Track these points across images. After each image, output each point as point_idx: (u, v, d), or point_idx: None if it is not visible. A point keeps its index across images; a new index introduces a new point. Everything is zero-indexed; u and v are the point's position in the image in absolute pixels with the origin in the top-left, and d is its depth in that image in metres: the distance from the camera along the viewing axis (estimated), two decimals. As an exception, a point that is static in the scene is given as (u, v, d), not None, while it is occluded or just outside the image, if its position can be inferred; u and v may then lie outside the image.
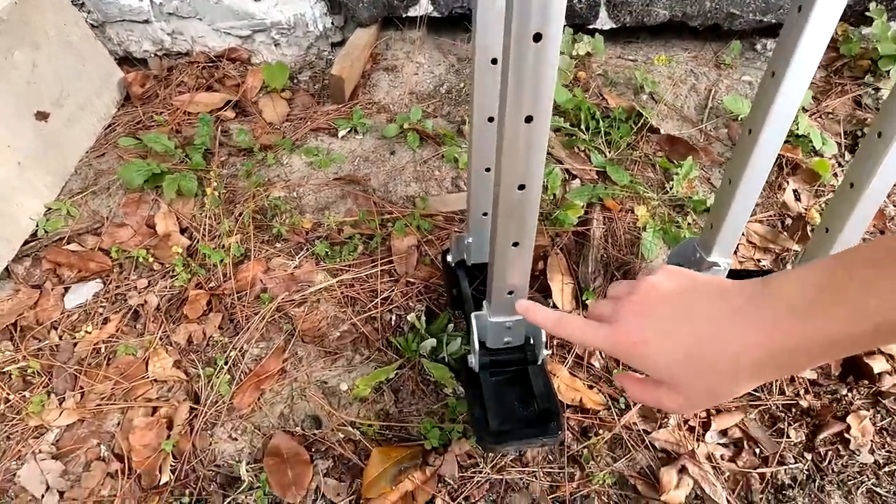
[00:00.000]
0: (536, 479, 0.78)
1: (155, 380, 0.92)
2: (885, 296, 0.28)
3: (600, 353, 0.92)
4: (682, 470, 0.78)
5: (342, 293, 1.00)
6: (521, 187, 0.59)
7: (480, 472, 0.79)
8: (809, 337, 0.31)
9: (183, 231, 1.11)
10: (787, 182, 1.15)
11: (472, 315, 0.76)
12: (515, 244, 0.66)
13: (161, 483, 0.80)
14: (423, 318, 0.94)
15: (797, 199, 1.14)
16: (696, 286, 0.38)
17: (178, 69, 1.40)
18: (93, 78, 1.24)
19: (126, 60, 1.46)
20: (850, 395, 0.87)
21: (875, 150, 0.73)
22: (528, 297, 0.65)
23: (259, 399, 0.88)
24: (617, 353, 0.40)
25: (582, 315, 0.86)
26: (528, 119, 0.52)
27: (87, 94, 1.23)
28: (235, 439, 0.84)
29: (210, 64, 1.41)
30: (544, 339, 0.76)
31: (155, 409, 0.88)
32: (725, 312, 0.35)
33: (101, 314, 1.00)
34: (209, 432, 0.85)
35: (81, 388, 0.90)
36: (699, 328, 0.35)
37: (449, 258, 0.96)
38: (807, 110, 1.28)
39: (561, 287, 1.00)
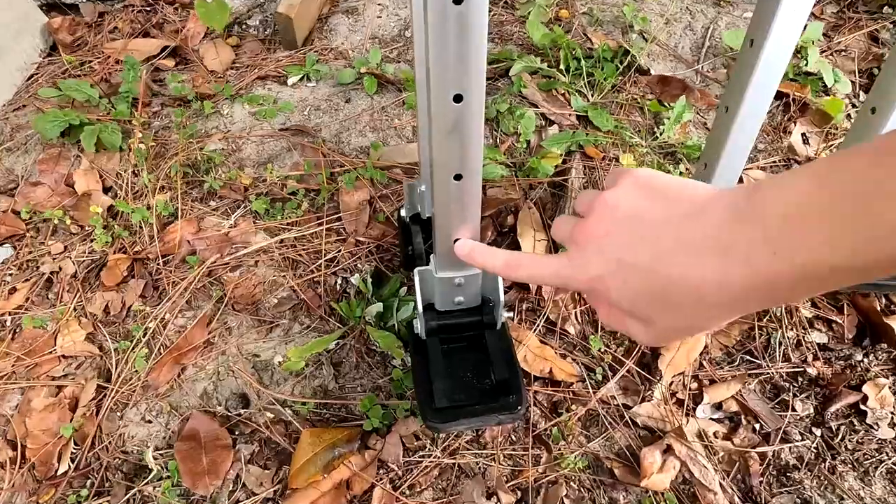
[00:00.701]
0: (495, 462, 0.66)
1: (63, 355, 0.80)
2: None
3: (576, 316, 0.79)
4: (668, 450, 0.66)
5: (282, 255, 0.87)
6: (458, 98, 0.46)
7: (429, 456, 0.67)
8: (793, 270, 0.24)
9: (107, 190, 0.98)
10: (795, 124, 1.01)
11: (416, 271, 0.63)
12: (458, 177, 0.53)
13: (58, 473, 0.69)
14: (371, 280, 0.81)
15: (805, 142, 1.00)
16: (665, 198, 0.30)
17: (110, 14, 1.25)
18: (5, 21, 1.10)
19: (56, 7, 1.31)
20: (866, 360, 0.75)
21: (869, 126, 0.69)
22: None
23: (179, 375, 0.76)
24: (574, 289, 0.35)
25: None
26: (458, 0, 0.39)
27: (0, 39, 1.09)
28: (149, 422, 0.73)
29: (147, 7, 1.26)
30: (503, 298, 0.64)
31: (60, 389, 0.76)
32: (697, 236, 0.27)
33: (9, 283, 0.88)
34: (119, 414, 0.73)
35: (-23, 365, 0.79)
36: (665, 258, 0.28)
37: (403, 212, 0.83)
38: (816, 45, 1.13)
39: (533, 244, 0.87)
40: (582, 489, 0.65)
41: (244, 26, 1.28)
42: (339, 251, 0.87)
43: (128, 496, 0.66)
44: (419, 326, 0.64)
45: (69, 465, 0.69)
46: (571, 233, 0.34)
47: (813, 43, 1.11)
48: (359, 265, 0.86)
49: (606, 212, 0.32)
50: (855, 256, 0.22)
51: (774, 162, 0.98)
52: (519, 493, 0.65)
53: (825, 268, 0.23)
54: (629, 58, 1.09)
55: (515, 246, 0.87)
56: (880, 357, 0.75)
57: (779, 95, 1.06)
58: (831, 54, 1.15)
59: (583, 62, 1.08)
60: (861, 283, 0.76)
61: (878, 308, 0.77)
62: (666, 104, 1.04)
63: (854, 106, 1.06)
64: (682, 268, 0.28)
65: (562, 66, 1.09)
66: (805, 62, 1.08)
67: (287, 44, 1.20)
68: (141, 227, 0.91)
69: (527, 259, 0.38)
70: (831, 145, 1.00)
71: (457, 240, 0.57)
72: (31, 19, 1.16)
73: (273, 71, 1.15)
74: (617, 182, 0.33)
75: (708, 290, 0.27)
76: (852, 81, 1.08)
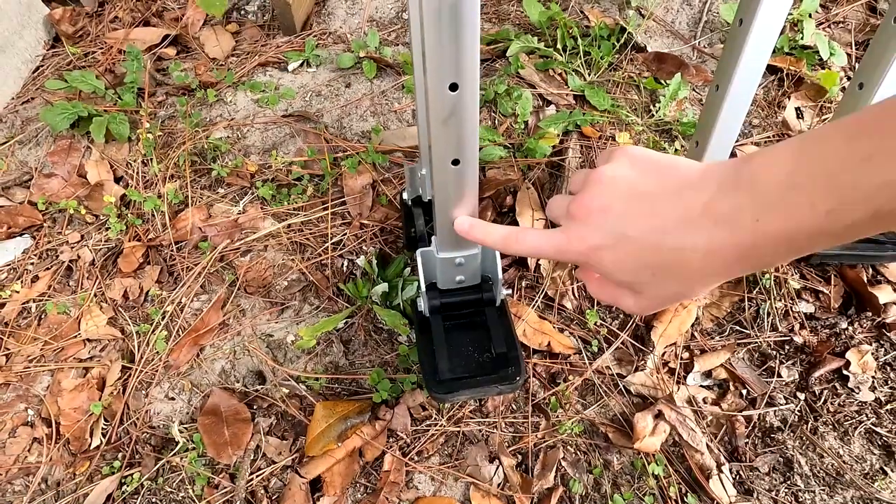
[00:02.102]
0: (497, 430, 0.71)
1: (87, 339, 0.84)
2: (887, 171, 0.22)
3: (573, 292, 0.83)
4: (659, 415, 0.70)
5: (290, 239, 0.91)
6: (453, 87, 0.49)
7: (435, 425, 0.72)
8: (776, 235, 0.26)
9: (118, 180, 1.01)
10: (789, 99, 1.02)
11: (418, 252, 0.66)
12: (455, 162, 0.56)
13: (91, 447, 0.74)
14: (376, 261, 0.85)
15: (799, 116, 1.02)
16: (658, 174, 0.32)
17: (110, 3, 1.26)
18: (8, 15, 1.11)
19: (56, -3, 1.32)
20: (850, 328, 0.78)
21: (857, 101, 0.70)
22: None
23: (198, 355, 0.81)
24: (573, 260, 0.36)
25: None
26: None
27: (3, 33, 1.10)
28: (172, 399, 0.78)
29: (146, -5, 1.27)
30: (501, 276, 0.67)
31: (87, 370, 0.81)
32: (692, 208, 0.29)
33: (31, 272, 0.92)
34: (144, 392, 0.78)
35: (7, 350, 0.83)
36: (660, 230, 0.30)
37: (405, 195, 0.86)
38: (813, 18, 1.13)
39: (532, 224, 0.90)
40: (578, 452, 0.70)
41: (242, 12, 1.29)
42: (345, 234, 0.91)
43: (157, 466, 0.71)
44: (423, 304, 0.68)
45: (101, 440, 0.74)
46: (569, 208, 0.35)
47: (810, 15, 1.11)
48: (364, 247, 0.90)
49: (604, 186, 0.33)
50: (832, 221, 0.24)
51: (768, 137, 1.00)
52: (519, 456, 0.70)
53: (804, 233, 0.25)
54: (626, 35, 1.10)
55: (514, 225, 0.90)
56: (864, 325, 0.79)
57: (773, 70, 1.07)
58: (828, 26, 1.15)
59: (579, 41, 1.09)
60: (844, 252, 0.79)
61: (865, 279, 0.81)
62: (662, 81, 1.05)
63: (849, 79, 1.07)
64: (676, 238, 0.29)
65: (559, 46, 1.10)
66: (801, 35, 1.08)
67: (286, 29, 1.21)
68: (153, 216, 0.95)
69: (524, 233, 0.40)
70: (825, 119, 1.02)
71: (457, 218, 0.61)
72: (34, 11, 1.18)
73: (273, 57, 1.16)
74: (612, 158, 0.34)
75: (697, 258, 0.29)
76: (848, 54, 1.09)
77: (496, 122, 1.04)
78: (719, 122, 0.72)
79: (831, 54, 1.06)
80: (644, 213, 0.31)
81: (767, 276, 0.82)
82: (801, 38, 1.07)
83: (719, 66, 0.69)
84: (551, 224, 0.89)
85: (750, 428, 0.71)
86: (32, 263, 0.93)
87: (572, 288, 0.83)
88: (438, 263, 0.66)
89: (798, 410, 0.73)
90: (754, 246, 0.27)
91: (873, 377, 0.74)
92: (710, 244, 0.28)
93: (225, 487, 0.69)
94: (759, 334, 0.79)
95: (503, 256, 0.80)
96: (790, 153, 0.26)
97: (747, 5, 0.62)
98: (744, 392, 0.74)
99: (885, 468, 0.68)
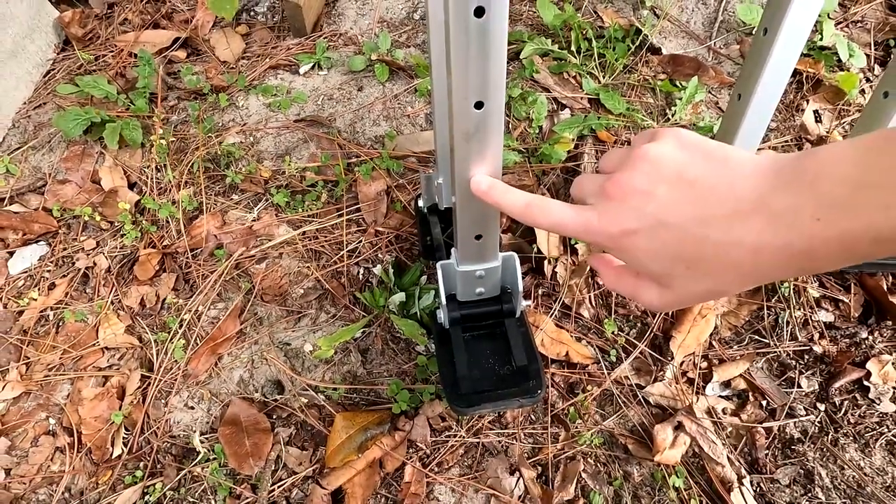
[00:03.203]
0: (517, 441, 0.71)
1: (106, 347, 0.85)
2: None
3: (590, 300, 0.83)
4: (679, 427, 0.70)
5: (305, 246, 0.91)
6: (479, 105, 0.48)
7: (455, 436, 0.72)
8: (835, 237, 0.24)
9: (132, 186, 1.01)
10: (807, 102, 1.01)
11: (439, 264, 0.66)
12: (478, 179, 0.55)
13: (113, 456, 0.74)
14: (392, 270, 0.85)
15: (818, 120, 1.00)
16: (708, 160, 0.29)
17: (120, 5, 1.25)
18: (19, 19, 1.11)
19: (66, 0, 1.31)
20: (870, 338, 0.78)
21: (882, 111, 0.69)
22: (509, 248, 0.55)
23: (216, 364, 0.81)
24: (599, 242, 0.32)
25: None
26: (479, 11, 0.40)
27: (15, 37, 1.10)
28: (192, 408, 0.78)
29: (155, -3, 1.26)
30: (522, 288, 0.67)
31: (106, 379, 0.82)
32: (743, 201, 0.27)
33: (48, 279, 0.92)
34: (163, 401, 0.78)
35: (27, 358, 0.84)
36: (705, 221, 0.28)
37: (420, 203, 0.85)
38: (832, 18, 1.11)
39: (547, 236, 0.89)
40: (598, 464, 0.70)
41: (252, 13, 1.28)
42: (360, 241, 0.91)
43: (179, 476, 0.72)
44: (442, 316, 0.68)
45: (122, 449, 0.75)
46: (603, 186, 0.32)
47: (828, 16, 1.09)
48: (379, 255, 0.89)
49: (648, 166, 0.30)
50: None
51: (786, 141, 0.99)
52: (539, 468, 0.70)
53: (870, 235, 0.23)
54: (641, 37, 1.09)
55: (529, 231, 0.89)
56: (885, 334, 0.78)
57: (792, 73, 1.05)
58: (846, 26, 1.13)
59: (594, 42, 1.08)
60: (870, 263, 0.78)
61: (885, 287, 0.80)
62: (678, 84, 1.04)
63: (868, 80, 1.06)
64: (722, 232, 0.27)
65: (573, 48, 1.08)
66: (820, 37, 1.06)
67: (296, 31, 1.20)
68: (168, 222, 0.95)
69: (551, 204, 0.36)
70: (844, 122, 1.00)
71: (479, 237, 0.60)
72: (43, 14, 1.17)
73: (284, 60, 1.16)
74: (658, 137, 0.32)
75: (741, 255, 0.27)
76: (867, 55, 1.07)
77: (510, 126, 1.03)
78: (741, 131, 0.71)
79: (850, 55, 1.04)
80: (690, 200, 0.28)
81: (786, 284, 0.82)
82: (820, 39, 1.06)
83: (741, 75, 0.68)
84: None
85: (770, 439, 0.71)
86: (49, 271, 0.93)
87: (589, 296, 0.83)
88: (459, 276, 0.65)
89: (818, 422, 0.72)
90: (809, 248, 0.25)
91: (894, 388, 0.74)
92: (758, 242, 0.26)
93: (247, 498, 0.69)
94: (778, 344, 0.78)
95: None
96: (858, 151, 0.24)
97: (773, 15, 0.61)
98: (763, 403, 0.74)
99: (906, 480, 0.68)
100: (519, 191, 0.39)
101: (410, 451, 0.71)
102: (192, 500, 0.70)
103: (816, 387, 0.75)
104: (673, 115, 1.01)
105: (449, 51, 0.44)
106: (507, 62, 1.12)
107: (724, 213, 0.27)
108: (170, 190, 0.98)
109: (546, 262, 0.85)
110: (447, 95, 0.48)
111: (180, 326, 0.84)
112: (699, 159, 0.29)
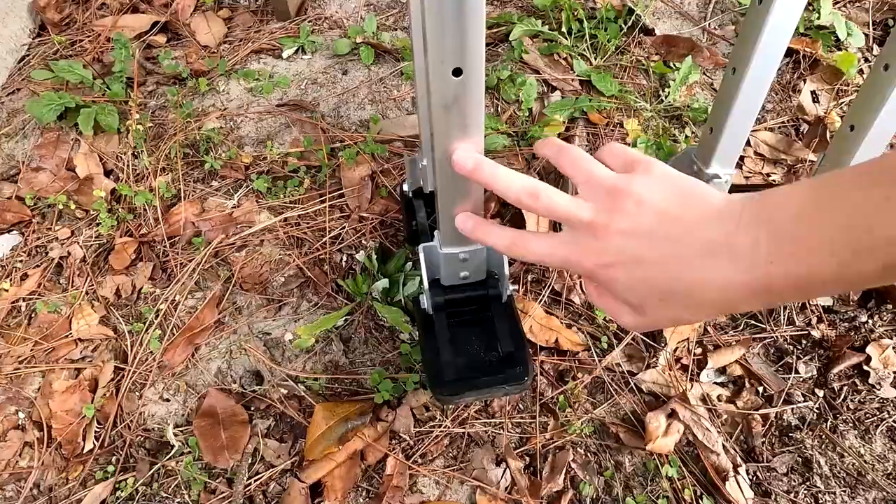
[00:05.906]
0: (504, 430, 0.68)
1: (79, 339, 0.81)
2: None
3: (581, 287, 0.80)
4: (672, 414, 0.68)
5: (286, 233, 0.88)
6: (457, 72, 0.45)
7: (440, 426, 0.69)
8: (787, 279, 0.26)
9: (108, 173, 0.97)
10: (804, 82, 0.98)
11: (420, 247, 0.63)
12: (458, 154, 0.52)
13: (85, 451, 0.71)
14: (376, 256, 0.82)
15: (815, 100, 0.98)
16: (682, 199, 0.31)
17: (97, -11, 1.21)
18: (-7, 1, 1.07)
19: (41, -16, 1.27)
20: (870, 322, 0.75)
21: (882, 83, 0.65)
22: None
23: (193, 355, 0.78)
24: (580, 273, 0.35)
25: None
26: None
27: (-12, 20, 1.06)
28: (167, 400, 0.75)
29: (134, -19, 1.22)
30: (507, 272, 0.64)
31: (79, 371, 0.79)
32: (713, 241, 0.29)
33: (20, 269, 0.89)
34: (137, 394, 0.75)
35: (-3, 351, 0.81)
36: (680, 259, 0.30)
37: (405, 187, 0.83)
38: (830, -3, 1.08)
39: (536, 217, 0.87)
40: (588, 454, 0.67)
41: (235, -3, 1.24)
42: (343, 228, 0.88)
43: (152, 471, 0.69)
44: (426, 302, 0.65)
45: (94, 444, 0.72)
46: (592, 220, 0.34)
47: (826, -5, 1.06)
48: (363, 241, 0.86)
49: (632, 206, 0.32)
50: (843, 268, 0.24)
51: (783, 122, 0.96)
52: (527, 458, 0.67)
53: (816, 279, 0.25)
54: (633, 17, 1.06)
55: (519, 217, 0.86)
56: (885, 318, 0.76)
57: (788, 52, 1.02)
58: (844, 5, 1.10)
59: (585, 23, 1.05)
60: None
61: (885, 269, 0.77)
62: (671, 65, 1.01)
63: (867, 60, 1.03)
64: (694, 270, 0.29)
65: (563, 29, 1.05)
66: (817, 15, 1.04)
67: (280, 14, 1.17)
68: (145, 210, 0.92)
69: (532, 239, 0.38)
70: (841, 103, 0.98)
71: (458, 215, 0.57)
72: (18, -2, 1.13)
73: (267, 44, 1.12)
74: (638, 170, 0.33)
75: (710, 291, 0.29)
76: (865, 34, 1.04)
77: (499, 109, 1.00)
78: (735, 107, 0.68)
79: (848, 35, 1.02)
80: (666, 239, 0.31)
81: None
82: (817, 18, 1.03)
83: (735, 48, 0.65)
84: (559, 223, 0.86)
85: (767, 427, 0.69)
86: (21, 261, 0.90)
87: (580, 282, 0.80)
88: (442, 259, 0.62)
89: (816, 408, 0.70)
90: (768, 286, 0.27)
91: (895, 372, 0.72)
92: (725, 280, 0.28)
93: (222, 493, 0.67)
94: (774, 328, 0.76)
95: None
96: (806, 193, 0.26)
97: (769, -19, 0.58)
98: (760, 389, 0.71)
99: (908, 467, 0.66)
100: (501, 227, 0.41)
101: (393, 442, 0.68)
102: (164, 495, 0.67)
103: (815, 372, 0.72)
104: (666, 97, 0.98)
105: (423, 12, 0.41)
106: (496, 44, 1.09)
107: (695, 253, 0.29)
108: (147, 177, 0.94)
109: (535, 246, 0.82)
110: (424, 65, 0.45)
111: (156, 316, 0.81)
112: (675, 197, 0.31)
